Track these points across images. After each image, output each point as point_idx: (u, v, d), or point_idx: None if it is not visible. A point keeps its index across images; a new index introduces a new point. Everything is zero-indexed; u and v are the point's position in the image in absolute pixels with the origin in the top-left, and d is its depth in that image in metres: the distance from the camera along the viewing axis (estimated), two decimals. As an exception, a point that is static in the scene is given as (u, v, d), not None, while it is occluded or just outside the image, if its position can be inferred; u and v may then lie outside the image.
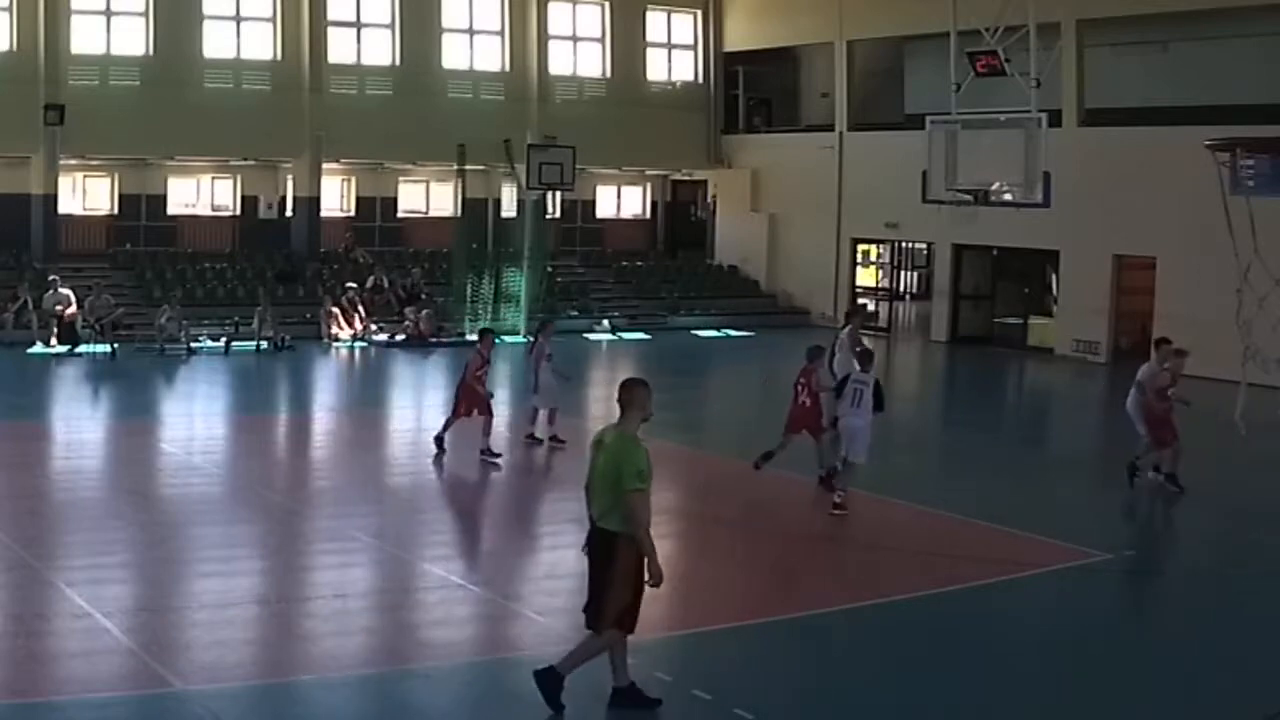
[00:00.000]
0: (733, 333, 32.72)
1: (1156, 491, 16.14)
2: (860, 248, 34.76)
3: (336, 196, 34.11)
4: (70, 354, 25.75)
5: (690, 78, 37.10)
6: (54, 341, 26.10)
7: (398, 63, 32.90)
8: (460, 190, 33.03)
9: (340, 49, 32.43)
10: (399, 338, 28.74)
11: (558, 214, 33.18)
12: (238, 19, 31.27)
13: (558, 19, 35.08)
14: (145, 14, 30.24)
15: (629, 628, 8.76)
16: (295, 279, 30.83)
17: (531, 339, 17.95)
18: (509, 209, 33.98)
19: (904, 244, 33.70)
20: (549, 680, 8.75)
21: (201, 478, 16.18)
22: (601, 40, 35.74)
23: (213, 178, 32.98)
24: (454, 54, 33.77)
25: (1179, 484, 16.03)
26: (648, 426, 8.85)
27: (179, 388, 23.55)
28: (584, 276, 34.94)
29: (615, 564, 8.59)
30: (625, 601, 8.64)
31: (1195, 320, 24.63)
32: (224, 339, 26.90)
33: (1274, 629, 11.25)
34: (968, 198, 22.92)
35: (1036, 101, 22.01)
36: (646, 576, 8.59)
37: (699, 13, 36.89)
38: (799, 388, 15.91)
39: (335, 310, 28.84)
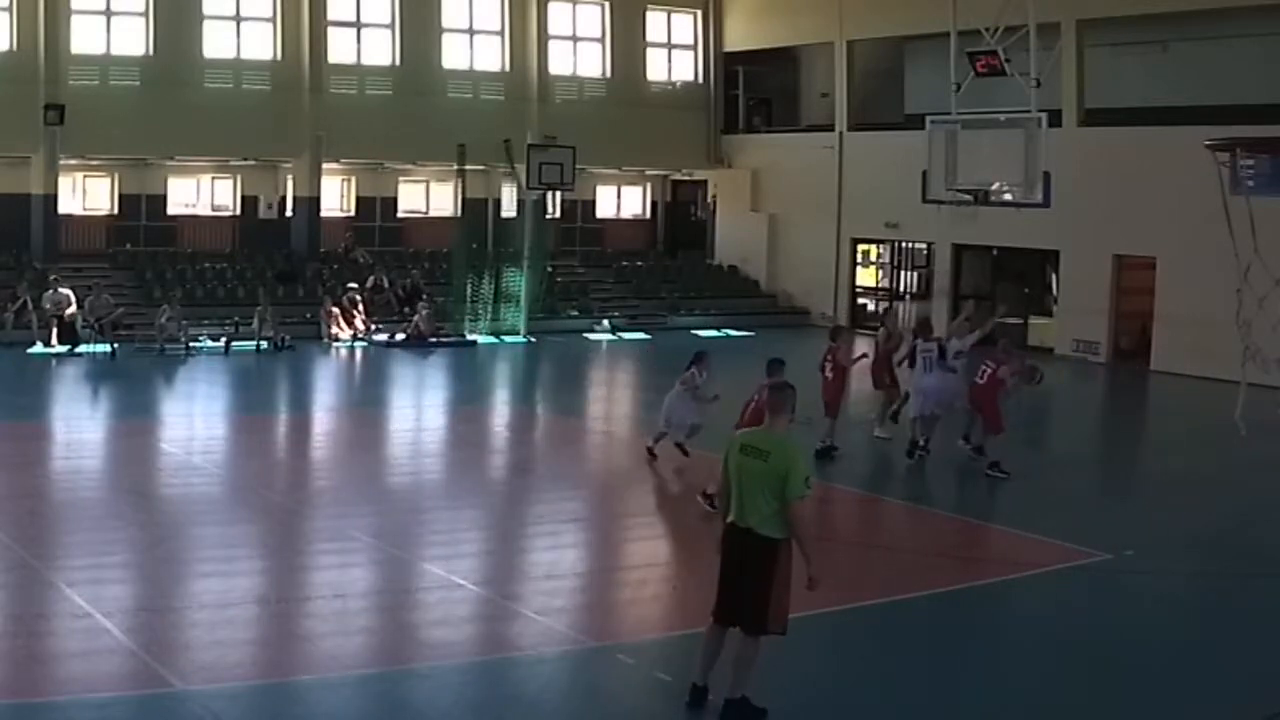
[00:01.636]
0: (733, 333, 32.70)
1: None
2: (860, 248, 34.74)
3: (336, 196, 34.10)
4: (70, 354, 25.74)
5: (690, 78, 37.09)
6: (54, 341, 26.10)
7: (398, 63, 32.90)
8: (460, 190, 33.04)
9: (340, 49, 32.42)
10: (399, 338, 28.75)
11: (558, 214, 33.15)
12: (238, 19, 31.26)
13: (558, 19, 35.07)
14: (145, 14, 30.23)
15: (785, 630, 8.72)
16: (295, 279, 30.83)
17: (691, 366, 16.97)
18: (509, 209, 33.99)
19: (904, 244, 33.69)
20: (745, 713, 8.60)
21: (201, 478, 16.17)
22: (601, 40, 35.74)
23: (213, 178, 32.97)
24: (454, 54, 33.76)
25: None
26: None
27: (179, 388, 23.54)
28: (584, 276, 34.94)
29: (778, 569, 8.53)
30: (788, 605, 8.61)
31: (1195, 320, 24.73)
32: (224, 339, 26.89)
33: (1274, 629, 11.25)
34: (968, 198, 22.91)
35: (1036, 101, 21.99)
36: (806, 581, 8.53)
37: (699, 13, 36.88)
38: (825, 364, 17.32)
39: (335, 310, 28.84)
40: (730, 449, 8.82)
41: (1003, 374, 16.64)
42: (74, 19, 29.60)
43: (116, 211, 31.79)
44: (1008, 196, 22.55)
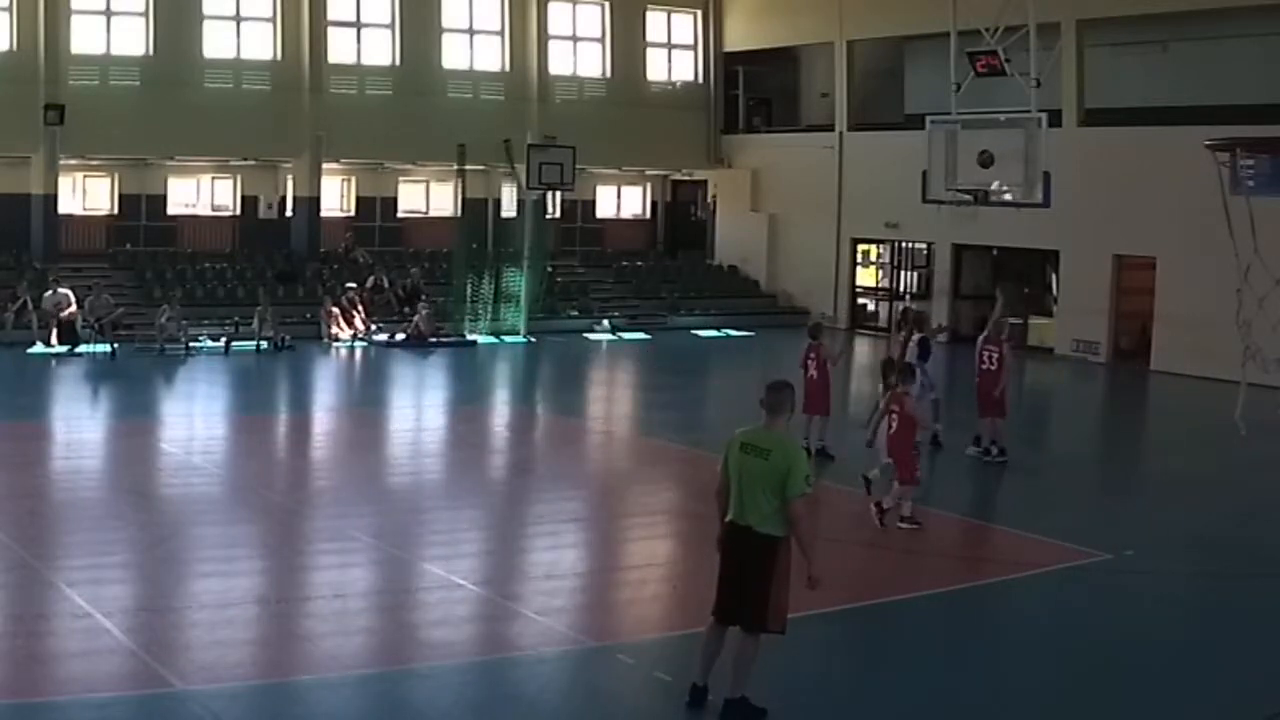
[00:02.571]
0: (733, 333, 32.72)
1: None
2: (860, 248, 34.74)
3: (336, 196, 34.11)
4: (70, 354, 25.74)
5: (690, 78, 37.10)
6: (54, 341, 26.10)
7: (398, 63, 32.90)
8: (460, 190, 33.02)
9: (340, 49, 32.42)
10: (399, 338, 28.75)
11: (558, 214, 33.16)
12: (238, 19, 31.26)
13: (558, 19, 35.08)
14: (145, 14, 30.23)
15: (784, 629, 8.73)
16: (295, 279, 30.83)
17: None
18: (509, 209, 33.99)
19: (904, 244, 33.69)
20: (744, 713, 8.61)
21: (201, 478, 16.17)
22: (601, 40, 35.74)
23: (213, 178, 32.97)
24: (454, 54, 33.77)
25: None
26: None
27: (179, 388, 23.54)
28: (584, 276, 34.94)
29: (778, 568, 8.55)
30: (787, 604, 8.62)
31: (1195, 320, 24.73)
32: (224, 339, 26.89)
33: (1274, 629, 11.25)
34: (968, 198, 22.90)
35: (1036, 101, 21.98)
36: (807, 580, 8.55)
37: (699, 13, 36.89)
38: (807, 363, 17.07)
39: (335, 310, 28.84)
40: (730, 447, 8.83)
41: (1006, 352, 17.27)
42: (74, 19, 29.59)
43: (116, 211, 31.78)
44: (1008, 196, 22.55)
